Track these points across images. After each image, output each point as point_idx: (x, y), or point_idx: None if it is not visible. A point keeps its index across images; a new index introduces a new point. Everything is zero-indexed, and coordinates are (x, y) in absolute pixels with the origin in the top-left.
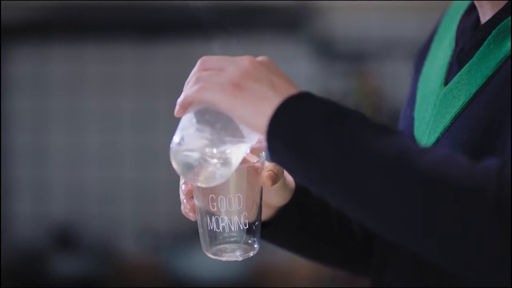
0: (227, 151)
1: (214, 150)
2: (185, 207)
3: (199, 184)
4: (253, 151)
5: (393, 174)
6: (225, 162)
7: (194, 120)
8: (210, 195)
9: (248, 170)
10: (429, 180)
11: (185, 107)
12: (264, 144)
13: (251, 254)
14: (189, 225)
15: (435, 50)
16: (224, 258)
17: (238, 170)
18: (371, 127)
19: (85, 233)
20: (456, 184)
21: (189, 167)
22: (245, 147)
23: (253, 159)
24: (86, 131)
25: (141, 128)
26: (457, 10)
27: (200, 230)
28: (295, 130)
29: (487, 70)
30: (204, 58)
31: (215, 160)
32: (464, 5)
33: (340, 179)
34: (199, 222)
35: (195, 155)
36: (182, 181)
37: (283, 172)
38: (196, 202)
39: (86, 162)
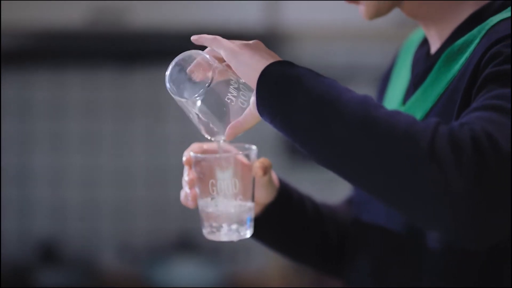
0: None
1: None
2: (187, 196)
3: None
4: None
5: (355, 121)
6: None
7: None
8: (210, 180)
9: (241, 160)
10: (380, 127)
11: (198, 42)
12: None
13: (246, 236)
14: (166, 240)
15: (395, 77)
16: (222, 239)
17: (234, 158)
18: (342, 87)
19: (68, 249)
20: (400, 131)
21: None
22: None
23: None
24: (67, 153)
25: (119, 150)
26: (412, 43)
27: (201, 215)
28: (280, 82)
29: (439, 89)
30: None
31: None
32: (418, 39)
33: (313, 124)
34: (200, 208)
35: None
36: (185, 173)
37: (271, 166)
38: (197, 189)
39: (68, 182)
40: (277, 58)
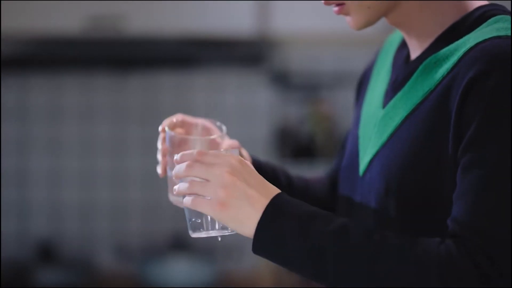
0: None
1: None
2: (160, 165)
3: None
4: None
5: (357, 270)
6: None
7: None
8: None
9: (211, 141)
10: (386, 274)
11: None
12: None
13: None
14: (160, 240)
15: (375, 78)
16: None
17: (203, 141)
18: (329, 233)
19: (65, 249)
20: (408, 276)
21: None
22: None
23: (217, 133)
24: (65, 156)
25: (115, 153)
26: (391, 45)
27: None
28: (274, 247)
29: (415, 98)
30: (190, 163)
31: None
32: (397, 40)
33: (314, 274)
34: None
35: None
36: (159, 142)
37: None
38: (168, 169)
39: (65, 184)
40: (261, 203)
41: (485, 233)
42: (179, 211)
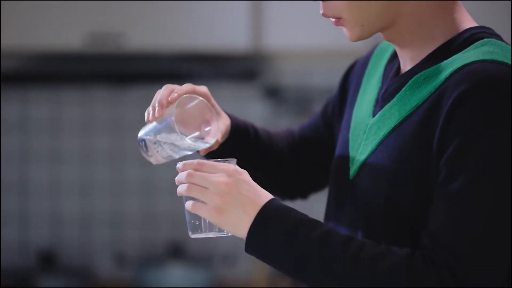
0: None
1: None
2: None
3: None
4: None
5: (337, 274)
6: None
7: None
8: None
9: (205, 134)
10: (353, 284)
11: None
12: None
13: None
14: (157, 248)
15: (365, 83)
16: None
17: (197, 146)
18: (312, 239)
19: (65, 257)
20: (379, 280)
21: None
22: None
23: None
24: (65, 167)
25: (113, 164)
26: (383, 53)
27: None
28: (263, 250)
29: (403, 111)
30: (190, 172)
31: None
32: (389, 50)
33: (298, 278)
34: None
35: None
36: (158, 101)
37: (218, 144)
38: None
39: (65, 194)
40: (254, 208)
41: (452, 248)
42: (175, 220)
